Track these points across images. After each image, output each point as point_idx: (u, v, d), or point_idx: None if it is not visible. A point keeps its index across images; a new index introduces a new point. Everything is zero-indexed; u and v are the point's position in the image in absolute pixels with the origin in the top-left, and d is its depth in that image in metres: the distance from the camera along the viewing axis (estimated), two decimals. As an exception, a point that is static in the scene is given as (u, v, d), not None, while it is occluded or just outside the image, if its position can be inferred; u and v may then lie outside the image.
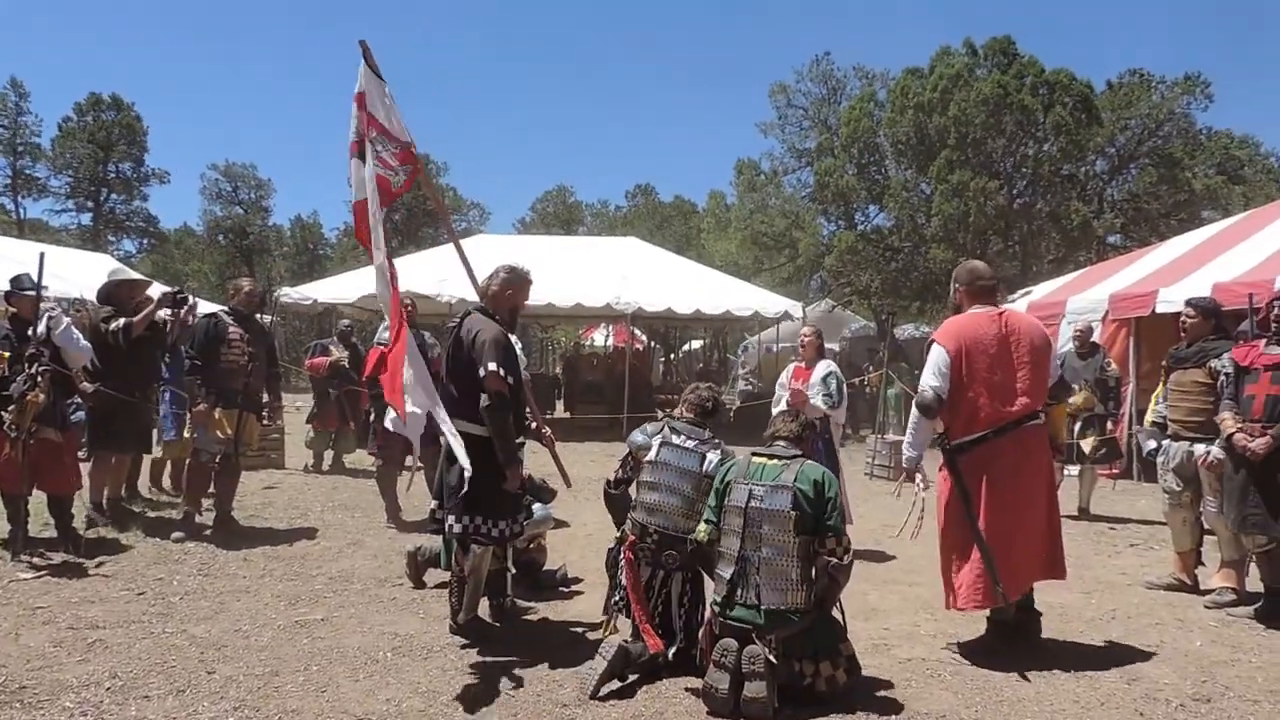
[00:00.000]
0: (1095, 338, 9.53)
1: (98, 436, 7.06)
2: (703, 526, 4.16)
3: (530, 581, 5.60)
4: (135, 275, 8.01)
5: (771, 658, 3.72)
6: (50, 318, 6.02)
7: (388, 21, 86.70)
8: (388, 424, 4.52)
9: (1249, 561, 5.54)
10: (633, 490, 4.62)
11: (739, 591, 3.91)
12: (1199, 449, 5.61)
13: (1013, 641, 4.59)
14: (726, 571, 3.97)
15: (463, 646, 4.53)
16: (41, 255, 6.19)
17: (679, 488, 4.37)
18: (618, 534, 4.56)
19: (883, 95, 23.20)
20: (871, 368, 17.47)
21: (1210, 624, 5.21)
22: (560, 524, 7.19)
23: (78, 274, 14.15)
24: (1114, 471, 9.96)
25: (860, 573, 4.64)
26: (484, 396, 4.36)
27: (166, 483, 8.55)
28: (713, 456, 4.42)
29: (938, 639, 4.80)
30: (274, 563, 6.11)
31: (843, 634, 4.02)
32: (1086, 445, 8.57)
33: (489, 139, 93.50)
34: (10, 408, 5.57)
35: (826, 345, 9.13)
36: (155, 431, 7.88)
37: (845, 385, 6.99)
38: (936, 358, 4.52)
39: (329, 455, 10.75)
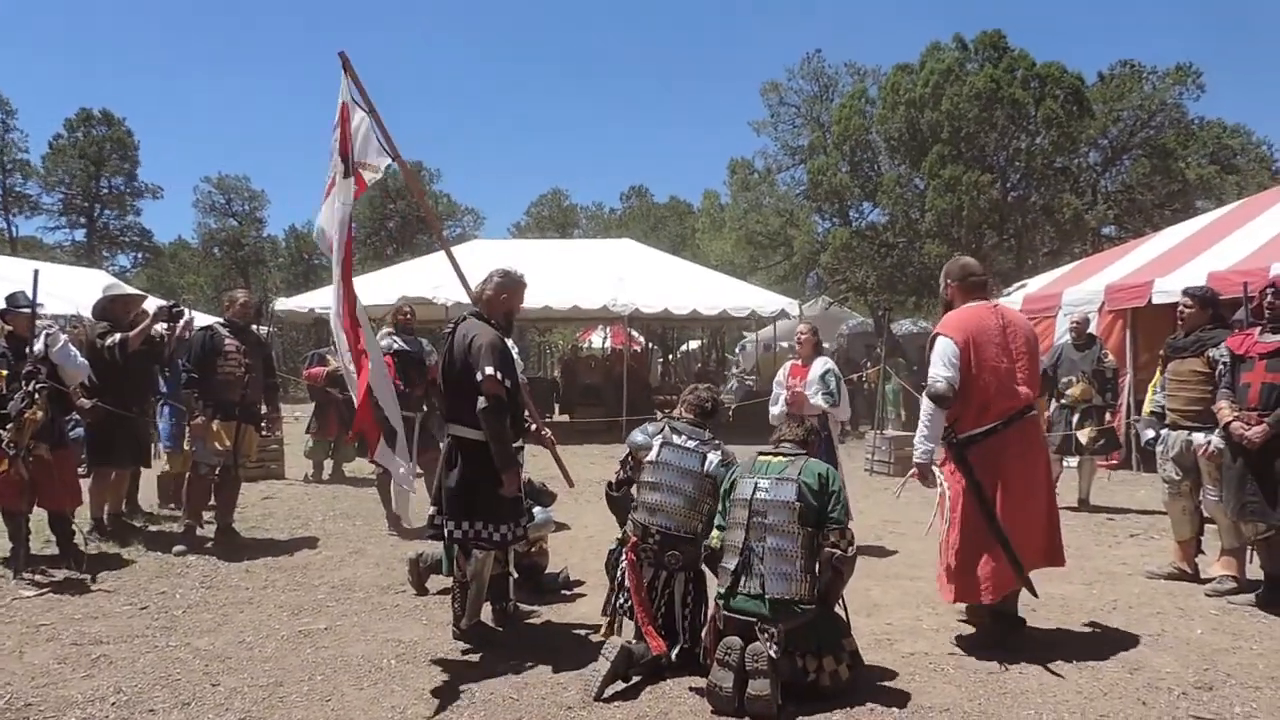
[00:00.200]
0: (1092, 329, 9.55)
1: (96, 452, 7.05)
2: (715, 534, 4.21)
3: (532, 585, 5.61)
4: (130, 290, 8.01)
5: (774, 651, 3.73)
6: (47, 335, 6.03)
7: (378, 28, 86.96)
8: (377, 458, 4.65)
9: (1250, 549, 5.56)
10: (633, 491, 4.63)
11: (743, 581, 3.94)
12: (1198, 438, 5.63)
13: (1017, 633, 4.60)
14: (731, 563, 4.01)
15: (466, 652, 4.54)
16: (36, 272, 6.20)
17: (680, 488, 4.39)
18: (619, 535, 4.58)
19: (874, 92, 23.22)
20: (869, 364, 17.49)
21: (1211, 612, 5.22)
22: (561, 527, 7.20)
23: (73, 290, 14.12)
24: (1112, 462, 9.97)
25: (862, 568, 4.65)
26: (481, 401, 4.37)
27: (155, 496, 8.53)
28: (713, 457, 4.45)
29: (940, 633, 4.82)
30: (276, 573, 6.12)
31: (846, 629, 4.04)
32: (1084, 436, 8.58)
33: (482, 144, 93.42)
34: (9, 426, 5.57)
35: (823, 342, 9.13)
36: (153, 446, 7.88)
37: (843, 382, 7.00)
38: (945, 349, 4.50)
39: (329, 464, 10.75)
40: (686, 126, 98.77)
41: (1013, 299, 13.14)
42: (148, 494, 8.31)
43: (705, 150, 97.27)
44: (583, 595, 5.61)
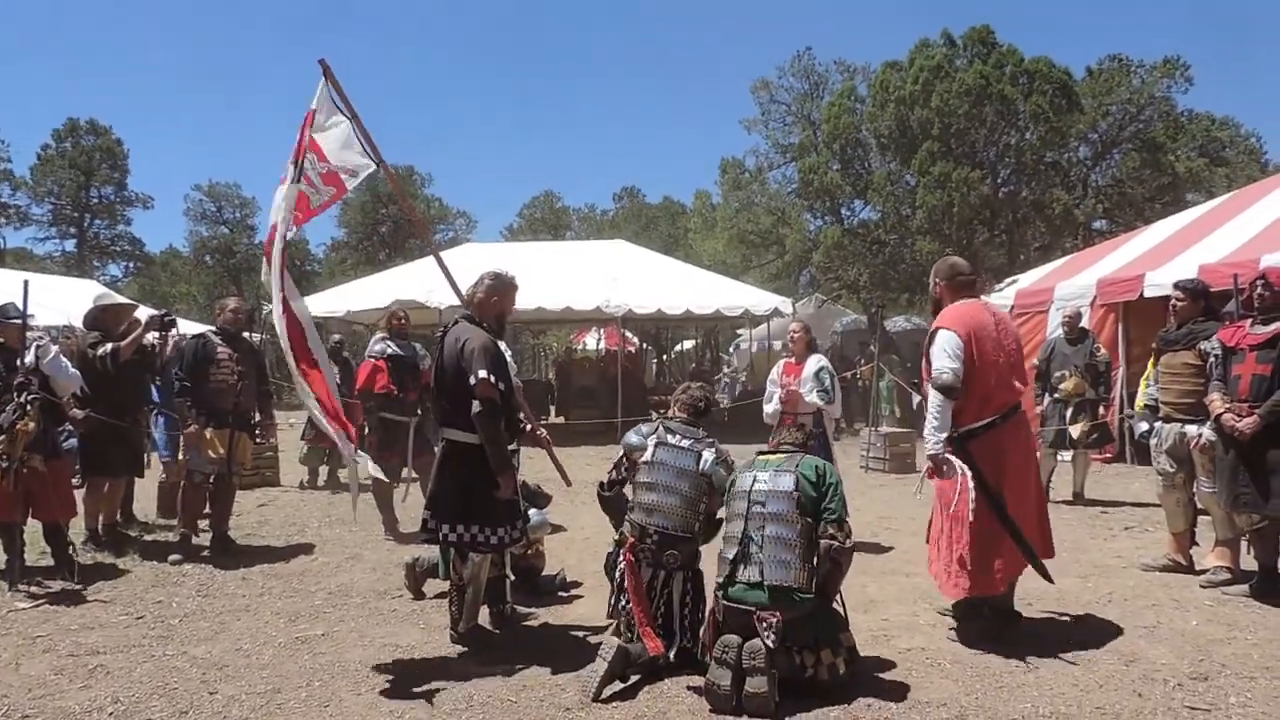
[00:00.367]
0: (1084, 323, 9.58)
1: (90, 463, 7.02)
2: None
3: (529, 587, 5.61)
4: (121, 300, 7.99)
5: (771, 640, 3.75)
6: (39, 347, 6.01)
7: (368, 34, 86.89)
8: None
9: (1244, 540, 5.58)
10: (629, 492, 4.64)
11: (741, 570, 3.98)
12: (1190, 430, 5.66)
13: (1013, 626, 4.62)
14: (730, 553, 4.05)
15: (464, 655, 4.53)
16: (26, 283, 6.19)
17: (677, 487, 4.40)
18: (616, 536, 4.58)
19: (863, 89, 23.28)
20: (863, 361, 17.52)
21: (1206, 603, 5.25)
22: (557, 528, 7.20)
23: (64, 301, 14.12)
24: (1106, 456, 10.01)
25: (858, 565, 4.67)
26: (475, 404, 4.37)
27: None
28: (708, 455, 4.47)
29: (937, 628, 4.84)
30: (273, 580, 6.11)
31: (844, 624, 4.06)
32: (1077, 431, 8.60)
33: (474, 148, 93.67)
34: (1, 438, 5.56)
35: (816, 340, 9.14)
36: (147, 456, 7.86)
37: (837, 379, 7.02)
38: (947, 341, 4.50)
39: (324, 471, 10.72)
40: (679, 127, 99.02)
41: (1005, 294, 13.18)
42: (143, 504, 8.29)
43: (699, 150, 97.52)
44: (580, 597, 5.61)
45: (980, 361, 4.50)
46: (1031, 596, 5.16)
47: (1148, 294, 10.55)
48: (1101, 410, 8.90)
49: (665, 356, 30.22)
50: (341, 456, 10.62)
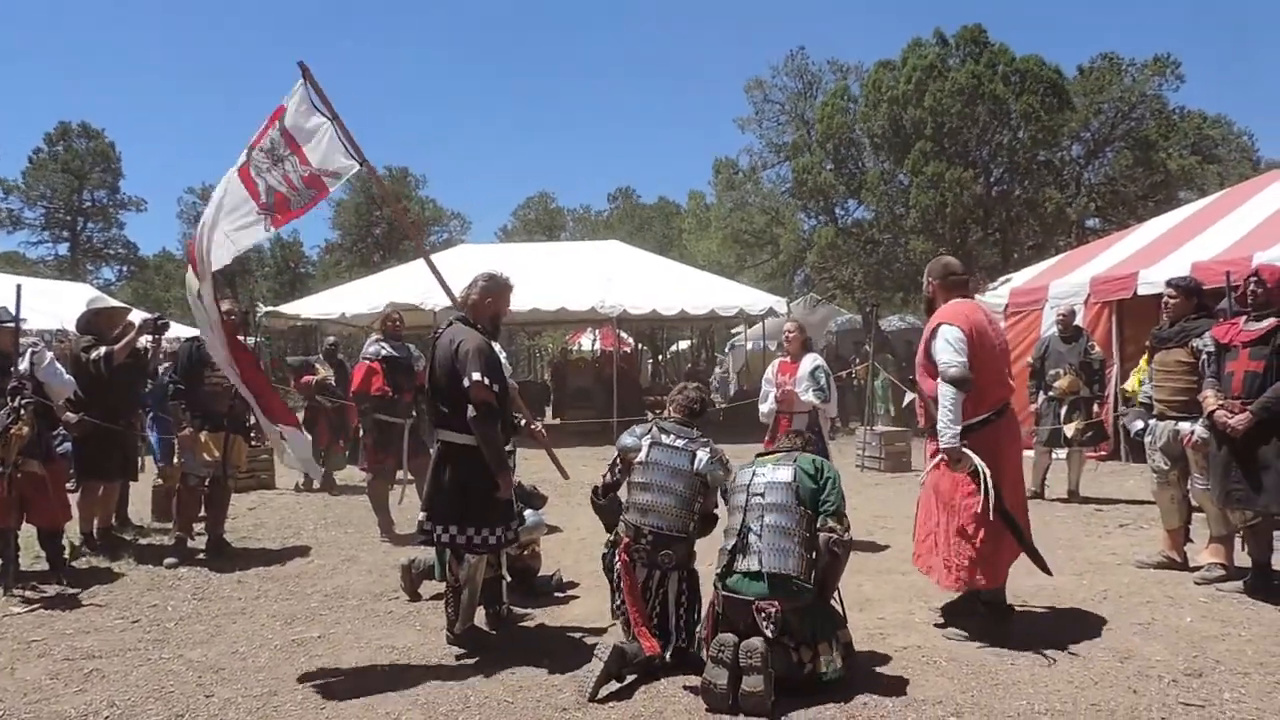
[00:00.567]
0: (1078, 321, 9.60)
1: (84, 466, 7.01)
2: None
3: (525, 588, 5.61)
4: (114, 303, 7.98)
5: (770, 631, 3.78)
6: (34, 353, 6.01)
7: (362, 35, 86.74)
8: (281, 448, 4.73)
9: (1238, 537, 5.60)
10: (623, 492, 4.63)
11: (740, 560, 4.01)
12: (1184, 427, 5.67)
13: (1006, 621, 4.63)
14: (728, 544, 4.10)
15: (460, 657, 4.53)
16: (19, 287, 6.16)
17: (672, 487, 4.40)
18: (610, 537, 4.58)
19: (856, 89, 23.29)
20: (858, 360, 17.55)
21: (1200, 600, 5.26)
22: (553, 529, 7.21)
23: (57, 305, 14.06)
24: (1101, 453, 10.03)
25: (854, 563, 4.67)
26: (470, 407, 4.36)
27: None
28: (703, 454, 4.47)
29: (933, 627, 4.84)
30: (268, 583, 6.10)
31: (842, 622, 4.08)
32: (1071, 430, 8.63)
33: (468, 149, 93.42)
34: (-5, 442, 5.55)
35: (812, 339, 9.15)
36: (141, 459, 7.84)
37: (832, 377, 7.03)
38: (951, 336, 4.50)
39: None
40: (674, 127, 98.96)
41: (999, 293, 13.21)
42: (137, 507, 8.28)
43: (693, 151, 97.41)
44: (576, 597, 5.61)
45: (980, 357, 4.53)
46: (1026, 593, 5.18)
47: (1141, 292, 10.59)
48: (1096, 408, 8.93)
49: (660, 357, 30.25)
50: (337, 458, 10.70)
